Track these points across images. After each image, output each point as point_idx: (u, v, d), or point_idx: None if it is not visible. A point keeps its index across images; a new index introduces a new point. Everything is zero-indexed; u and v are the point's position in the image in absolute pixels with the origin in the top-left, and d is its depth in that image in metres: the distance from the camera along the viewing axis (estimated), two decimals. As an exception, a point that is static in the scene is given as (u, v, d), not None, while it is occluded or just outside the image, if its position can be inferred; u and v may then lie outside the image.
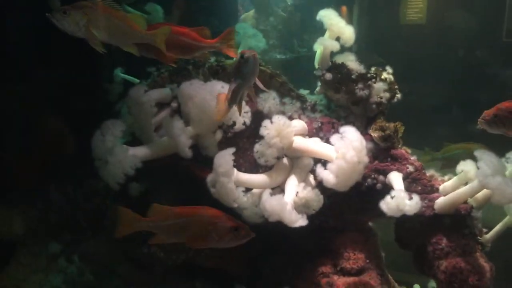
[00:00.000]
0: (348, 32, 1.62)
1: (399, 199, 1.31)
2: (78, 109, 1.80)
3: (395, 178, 1.46)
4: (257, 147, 1.41)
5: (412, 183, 1.50)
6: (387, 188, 1.42)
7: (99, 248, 1.82)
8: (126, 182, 1.43)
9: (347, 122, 1.58)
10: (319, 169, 1.36)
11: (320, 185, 1.40)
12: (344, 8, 2.51)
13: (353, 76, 1.57)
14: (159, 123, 1.56)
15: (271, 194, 1.38)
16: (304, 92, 1.71)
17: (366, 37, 2.61)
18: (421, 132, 2.26)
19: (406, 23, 2.57)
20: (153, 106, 1.50)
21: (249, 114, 1.51)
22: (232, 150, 1.34)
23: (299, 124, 1.52)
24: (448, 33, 2.53)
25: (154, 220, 1.26)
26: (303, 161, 1.45)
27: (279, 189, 1.45)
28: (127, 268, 1.77)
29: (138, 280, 1.75)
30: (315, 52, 1.67)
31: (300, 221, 1.31)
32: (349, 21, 1.68)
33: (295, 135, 1.44)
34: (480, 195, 1.48)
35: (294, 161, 1.47)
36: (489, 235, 1.59)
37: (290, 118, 1.53)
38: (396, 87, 1.60)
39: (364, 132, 1.55)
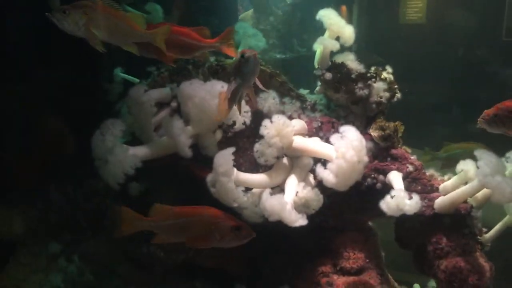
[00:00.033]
0: (347, 32, 1.62)
1: (399, 199, 1.31)
2: (78, 109, 1.80)
3: (395, 178, 1.46)
4: (257, 146, 1.41)
5: (412, 183, 1.51)
6: (387, 188, 1.42)
7: (99, 248, 1.82)
8: (126, 181, 1.43)
9: (347, 122, 1.59)
10: (319, 168, 1.36)
11: (320, 184, 1.40)
12: (343, 8, 2.52)
13: (352, 76, 1.57)
14: (159, 123, 1.56)
15: (271, 194, 1.37)
16: (304, 91, 1.71)
17: (365, 36, 2.61)
18: (421, 131, 2.26)
19: (405, 23, 2.57)
20: (153, 105, 1.50)
21: (249, 113, 1.51)
22: (232, 149, 1.34)
23: (299, 123, 1.52)
24: (448, 32, 2.54)
25: (155, 220, 1.26)
26: (303, 161, 1.45)
27: (279, 188, 1.45)
28: (127, 268, 1.77)
29: (138, 280, 1.75)
30: (314, 52, 1.67)
31: (300, 221, 1.31)
32: (349, 20, 1.68)
33: (295, 134, 1.44)
34: (480, 194, 1.48)
35: (294, 160, 1.47)
36: (489, 235, 1.59)
37: (290, 117, 1.53)
38: (396, 86, 1.60)
39: (364, 131, 1.55)
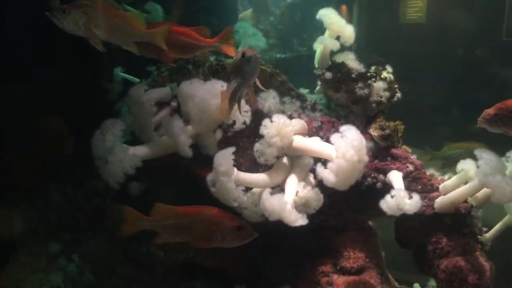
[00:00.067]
0: (348, 31, 1.62)
1: (399, 198, 1.31)
2: (78, 109, 1.80)
3: (395, 177, 1.46)
4: (257, 146, 1.41)
5: (412, 182, 1.51)
6: (387, 187, 1.42)
7: (99, 248, 1.82)
8: (126, 181, 1.43)
9: (347, 121, 1.59)
10: (319, 168, 1.36)
11: (320, 184, 1.40)
12: (344, 7, 2.52)
13: (353, 75, 1.57)
14: (159, 122, 1.56)
15: (271, 193, 1.37)
16: (304, 91, 1.71)
17: (366, 36, 2.61)
18: (421, 131, 2.26)
19: (405, 22, 2.57)
20: (153, 105, 1.50)
21: (249, 113, 1.51)
22: (232, 149, 1.33)
23: (299, 123, 1.51)
24: (448, 32, 2.54)
25: (157, 219, 1.26)
26: (303, 160, 1.45)
27: (279, 188, 1.44)
28: (127, 268, 1.77)
29: (138, 280, 1.75)
30: (315, 51, 1.67)
31: (300, 221, 1.31)
32: (349, 20, 1.68)
33: (295, 134, 1.44)
34: (480, 194, 1.48)
35: (294, 160, 1.47)
36: (489, 234, 1.59)
37: (290, 117, 1.53)
38: (396, 86, 1.60)
39: (364, 131, 1.55)
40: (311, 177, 1.47)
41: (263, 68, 1.59)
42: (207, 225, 1.24)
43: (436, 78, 2.54)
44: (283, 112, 1.54)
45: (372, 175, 1.51)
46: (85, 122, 1.58)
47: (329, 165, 1.33)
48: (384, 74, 1.60)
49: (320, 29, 1.66)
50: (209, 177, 1.36)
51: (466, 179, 1.45)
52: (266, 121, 1.37)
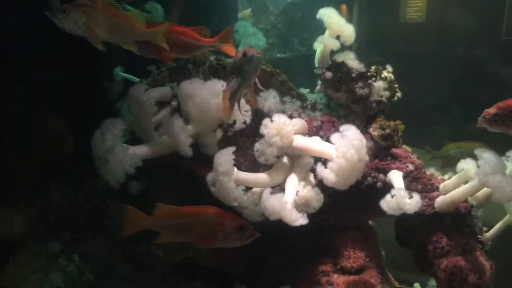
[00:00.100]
0: (348, 31, 1.62)
1: (399, 198, 1.31)
2: (78, 109, 1.80)
3: (395, 177, 1.46)
4: (257, 145, 1.41)
5: (412, 182, 1.50)
6: (387, 187, 1.42)
7: (99, 248, 1.82)
8: (126, 181, 1.43)
9: (347, 121, 1.58)
10: (319, 167, 1.36)
11: (320, 183, 1.39)
12: (344, 7, 2.52)
13: (353, 75, 1.57)
14: (159, 122, 1.56)
15: (271, 193, 1.37)
16: (304, 90, 1.71)
17: (366, 35, 2.61)
18: (421, 130, 2.26)
19: (405, 22, 2.57)
20: (153, 104, 1.50)
21: (249, 112, 1.51)
22: (232, 149, 1.33)
23: (299, 122, 1.51)
24: (448, 32, 2.54)
25: (159, 219, 1.26)
26: (303, 160, 1.45)
27: (279, 188, 1.44)
28: (127, 268, 1.77)
29: (138, 280, 1.75)
30: (315, 51, 1.67)
31: (300, 220, 1.31)
32: (349, 19, 1.68)
33: (295, 133, 1.43)
34: (480, 193, 1.48)
35: (294, 160, 1.47)
36: (489, 234, 1.59)
37: (290, 116, 1.53)
38: (396, 85, 1.60)
39: (364, 130, 1.55)
40: (311, 177, 1.47)
41: (263, 68, 1.59)
42: (209, 225, 1.24)
43: (436, 77, 2.54)
44: (283, 111, 1.54)
45: (372, 174, 1.51)
46: (85, 122, 1.58)
47: (329, 164, 1.33)
48: (384, 73, 1.60)
49: (320, 28, 1.66)
50: (209, 177, 1.36)
51: (466, 178, 1.45)
52: (266, 121, 1.37)
